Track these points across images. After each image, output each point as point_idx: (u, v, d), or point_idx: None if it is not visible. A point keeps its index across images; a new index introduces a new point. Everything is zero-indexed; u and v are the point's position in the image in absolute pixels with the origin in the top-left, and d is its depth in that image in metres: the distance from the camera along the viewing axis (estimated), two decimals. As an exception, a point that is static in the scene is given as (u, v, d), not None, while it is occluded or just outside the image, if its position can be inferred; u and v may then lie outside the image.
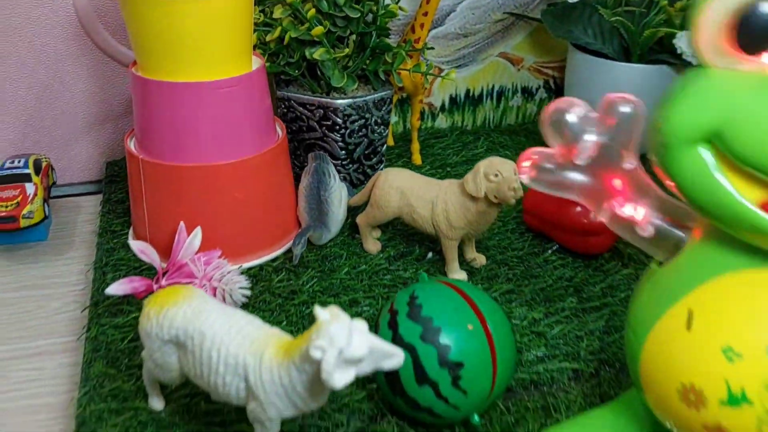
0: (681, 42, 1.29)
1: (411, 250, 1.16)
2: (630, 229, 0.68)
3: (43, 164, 1.30)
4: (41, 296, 1.12)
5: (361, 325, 0.64)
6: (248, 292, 0.98)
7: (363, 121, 1.27)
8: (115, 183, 1.36)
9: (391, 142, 1.52)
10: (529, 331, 0.97)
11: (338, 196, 1.15)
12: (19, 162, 1.28)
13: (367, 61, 1.27)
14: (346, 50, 1.21)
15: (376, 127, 1.30)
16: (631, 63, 1.38)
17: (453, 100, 1.64)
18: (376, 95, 1.27)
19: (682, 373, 0.59)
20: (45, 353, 0.99)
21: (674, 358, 0.60)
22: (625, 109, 0.66)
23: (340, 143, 1.26)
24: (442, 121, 1.66)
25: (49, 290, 1.13)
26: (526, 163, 0.70)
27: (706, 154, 0.54)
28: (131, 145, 1.10)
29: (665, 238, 0.66)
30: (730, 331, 0.58)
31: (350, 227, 1.20)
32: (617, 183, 0.66)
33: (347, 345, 0.61)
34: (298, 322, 0.98)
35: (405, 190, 1.07)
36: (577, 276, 1.10)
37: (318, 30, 1.16)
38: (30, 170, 1.26)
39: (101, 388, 0.86)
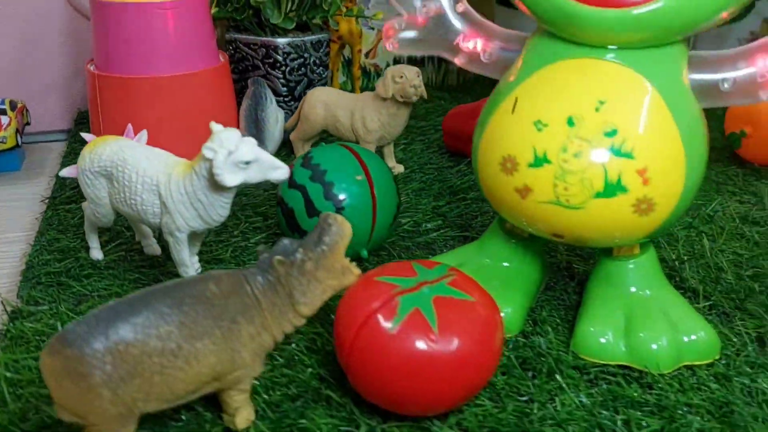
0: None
1: (339, 163, 1.30)
2: (477, 61, 0.82)
3: (19, 105, 1.45)
4: (14, 206, 1.25)
5: (251, 139, 0.78)
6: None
7: (302, 60, 1.42)
8: (83, 124, 1.51)
9: (336, 93, 1.67)
10: (431, 213, 1.11)
11: (274, 116, 1.30)
12: (-4, 101, 1.43)
13: (307, 10, 1.44)
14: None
15: (315, 68, 1.45)
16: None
17: (397, 62, 1.80)
18: (313, 36, 1.43)
19: (503, 147, 0.74)
20: (12, 242, 1.12)
21: (500, 136, 0.74)
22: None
23: (281, 80, 1.42)
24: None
25: (20, 202, 1.26)
26: (389, 32, 0.85)
27: None
28: (91, 68, 1.25)
29: (502, 61, 0.80)
30: (541, 108, 0.72)
31: (287, 148, 1.35)
32: (457, 24, 0.82)
33: (236, 149, 0.76)
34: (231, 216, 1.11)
35: (329, 103, 1.22)
36: (484, 179, 1.24)
37: (256, -27, 1.32)
38: (6, 107, 1.41)
39: (50, 247, 1.00)
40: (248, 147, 0.76)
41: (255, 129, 1.28)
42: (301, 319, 0.67)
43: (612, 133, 0.69)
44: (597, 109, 0.69)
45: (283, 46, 1.39)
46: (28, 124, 1.49)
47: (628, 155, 0.68)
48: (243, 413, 0.66)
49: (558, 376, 0.73)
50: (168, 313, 0.59)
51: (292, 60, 1.41)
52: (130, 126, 1.15)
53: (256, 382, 0.71)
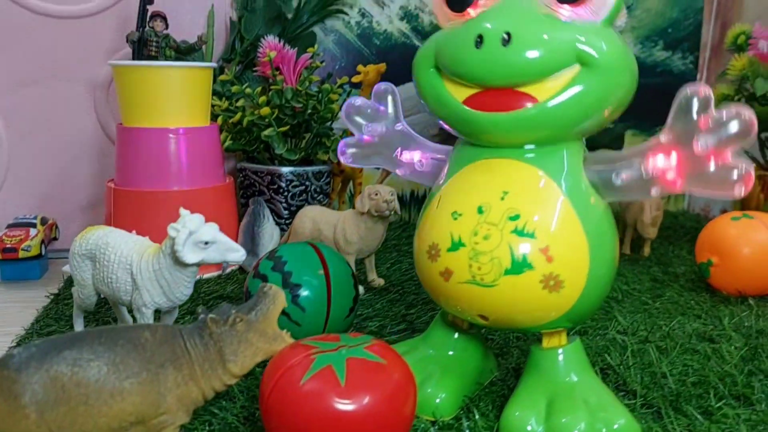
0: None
1: (325, 277, 1.39)
2: (413, 171, 0.94)
3: (50, 221, 1.62)
4: (25, 306, 1.36)
5: (214, 224, 0.89)
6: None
7: (303, 187, 1.57)
8: (104, 240, 1.66)
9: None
10: (399, 318, 1.18)
11: (269, 232, 1.42)
12: (30, 216, 1.60)
13: (311, 145, 1.61)
14: (286, 127, 1.54)
15: (316, 195, 1.60)
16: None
17: (399, 198, 1.93)
18: (314, 168, 1.58)
19: (429, 237, 0.82)
20: (9, 334, 1.22)
21: (426, 230, 0.83)
22: (387, 94, 0.95)
23: (283, 204, 1.56)
24: (405, 215, 1.94)
25: (31, 303, 1.38)
26: (342, 149, 0.97)
27: (432, 72, 0.81)
28: (111, 185, 1.42)
29: (434, 169, 0.91)
30: (457, 201, 0.81)
31: (281, 264, 1.46)
32: (396, 141, 0.94)
33: (197, 230, 0.86)
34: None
35: (316, 218, 1.34)
36: (458, 295, 1.31)
37: (265, 110, 1.51)
38: (37, 222, 1.58)
39: (41, 331, 1.09)
40: (209, 229, 0.87)
41: (251, 242, 1.39)
42: (231, 377, 0.73)
43: (515, 217, 0.77)
44: (502, 198, 0.78)
45: (287, 174, 1.55)
46: (55, 239, 1.65)
47: (531, 235, 0.76)
48: (167, 462, 0.71)
49: (475, 452, 0.76)
50: (101, 350, 0.67)
51: (294, 187, 1.56)
52: (134, 232, 1.28)
53: (189, 441, 0.76)
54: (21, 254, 1.47)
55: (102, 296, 1.00)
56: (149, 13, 1.41)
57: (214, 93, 1.61)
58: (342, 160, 0.98)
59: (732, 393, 0.92)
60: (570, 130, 0.78)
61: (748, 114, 0.71)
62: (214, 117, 1.56)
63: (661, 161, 0.76)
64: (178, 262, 0.88)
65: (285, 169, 1.55)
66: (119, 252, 0.93)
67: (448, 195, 0.83)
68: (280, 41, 1.61)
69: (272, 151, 1.58)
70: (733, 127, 0.70)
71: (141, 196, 1.36)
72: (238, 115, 1.56)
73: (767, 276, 1.29)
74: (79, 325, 1.05)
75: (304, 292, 0.96)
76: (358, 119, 0.96)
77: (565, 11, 0.75)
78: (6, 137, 1.67)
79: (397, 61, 1.87)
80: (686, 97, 0.73)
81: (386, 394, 0.70)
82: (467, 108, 0.78)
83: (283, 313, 0.94)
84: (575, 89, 0.74)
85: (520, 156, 0.80)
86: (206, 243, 0.87)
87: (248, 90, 1.54)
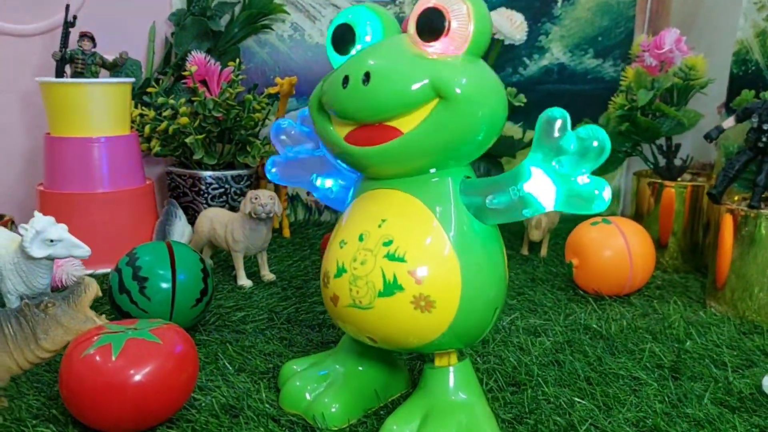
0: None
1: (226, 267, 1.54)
2: (326, 197, 1.00)
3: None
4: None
5: (63, 225, 1.04)
6: (79, 273, 1.39)
7: (223, 189, 1.72)
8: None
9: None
10: (267, 310, 1.31)
11: (180, 231, 1.58)
12: (-13, 213, 1.80)
13: (234, 151, 1.76)
14: (204, 134, 1.69)
15: (236, 197, 1.74)
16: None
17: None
18: (234, 172, 1.73)
19: (324, 266, 0.89)
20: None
21: (325, 260, 0.90)
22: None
23: (204, 205, 1.71)
24: (327, 216, 2.08)
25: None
26: (268, 167, 1.03)
27: (321, 112, 0.87)
28: (40, 188, 1.60)
29: (345, 199, 0.97)
30: (345, 230, 0.88)
31: (193, 259, 1.61)
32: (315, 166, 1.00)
33: (43, 230, 1.02)
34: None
35: (213, 218, 1.49)
36: (336, 290, 1.44)
37: (183, 119, 1.66)
38: (-8, 218, 1.77)
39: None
40: (55, 229, 1.03)
41: (163, 239, 1.55)
42: (44, 352, 0.89)
43: (388, 243, 0.81)
44: (379, 226, 0.83)
45: (206, 178, 1.70)
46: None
47: (401, 259, 0.80)
48: (-16, 419, 0.87)
49: None
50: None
51: (214, 189, 1.71)
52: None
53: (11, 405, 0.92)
54: (-28, 247, 1.66)
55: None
56: (79, 33, 1.58)
57: (145, 104, 1.78)
58: (268, 177, 1.03)
59: (511, 381, 1.03)
60: (438, 158, 0.82)
61: (602, 135, 0.73)
62: (142, 126, 1.72)
63: (529, 184, 0.77)
64: (29, 257, 1.03)
65: (205, 173, 1.70)
66: (-5, 249, 1.10)
67: (341, 225, 0.90)
68: (208, 56, 1.76)
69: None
70: (591, 147, 0.73)
71: (67, 198, 1.53)
72: (164, 124, 1.72)
73: (620, 277, 1.38)
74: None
75: (150, 284, 1.11)
76: (284, 138, 1.02)
77: (431, 48, 0.79)
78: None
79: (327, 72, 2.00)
80: (547, 120, 0.75)
81: (153, 369, 0.84)
82: (346, 143, 0.83)
83: (132, 302, 1.11)
84: (434, 121, 0.78)
85: (402, 186, 0.84)
86: (52, 241, 1.02)
87: (171, 101, 1.70)
